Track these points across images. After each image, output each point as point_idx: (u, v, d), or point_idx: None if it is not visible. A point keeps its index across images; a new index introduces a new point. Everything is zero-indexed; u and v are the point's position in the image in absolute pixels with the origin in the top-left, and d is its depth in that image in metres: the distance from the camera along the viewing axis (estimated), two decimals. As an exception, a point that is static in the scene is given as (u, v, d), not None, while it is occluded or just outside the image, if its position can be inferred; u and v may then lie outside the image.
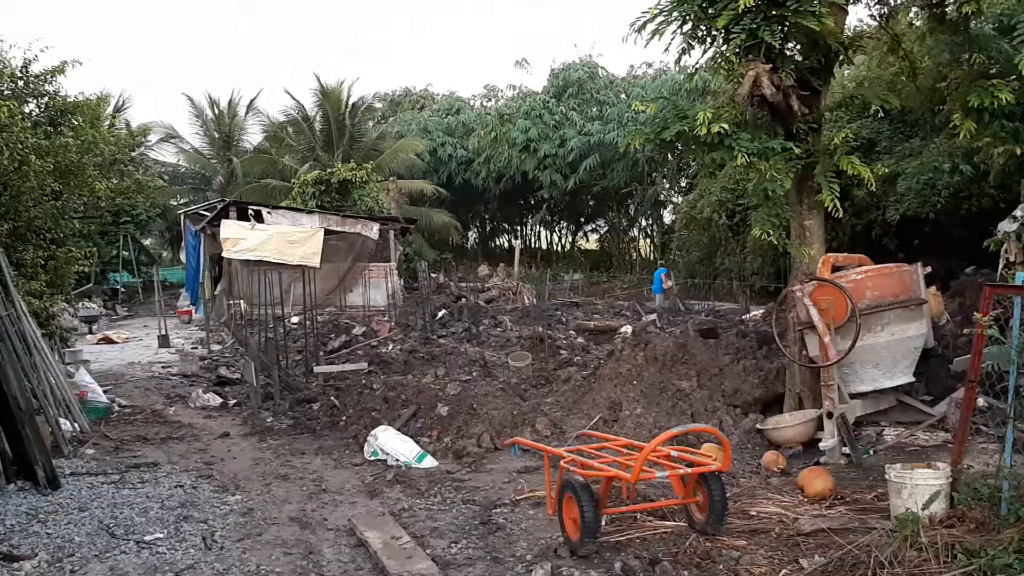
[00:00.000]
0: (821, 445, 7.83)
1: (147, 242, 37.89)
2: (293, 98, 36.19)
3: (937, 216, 17.73)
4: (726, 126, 7.40)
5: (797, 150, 7.75)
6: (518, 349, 15.84)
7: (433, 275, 29.56)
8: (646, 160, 34.58)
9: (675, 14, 8.09)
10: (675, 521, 6.27)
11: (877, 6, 9.56)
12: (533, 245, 45.41)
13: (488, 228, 47.69)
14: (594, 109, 37.93)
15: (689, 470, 5.70)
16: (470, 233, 46.47)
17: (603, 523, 5.88)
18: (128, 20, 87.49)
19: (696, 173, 33.01)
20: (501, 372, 13.61)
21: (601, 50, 73.49)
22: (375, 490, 7.62)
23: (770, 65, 7.48)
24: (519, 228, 46.74)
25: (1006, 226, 11.24)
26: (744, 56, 7.56)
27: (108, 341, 20.31)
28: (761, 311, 20.20)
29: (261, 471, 8.54)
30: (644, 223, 40.49)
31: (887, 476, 5.87)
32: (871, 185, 8.16)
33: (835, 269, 8.32)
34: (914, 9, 10.59)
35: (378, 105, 43.67)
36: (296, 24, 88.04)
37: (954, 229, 17.82)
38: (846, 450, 7.85)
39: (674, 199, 37.83)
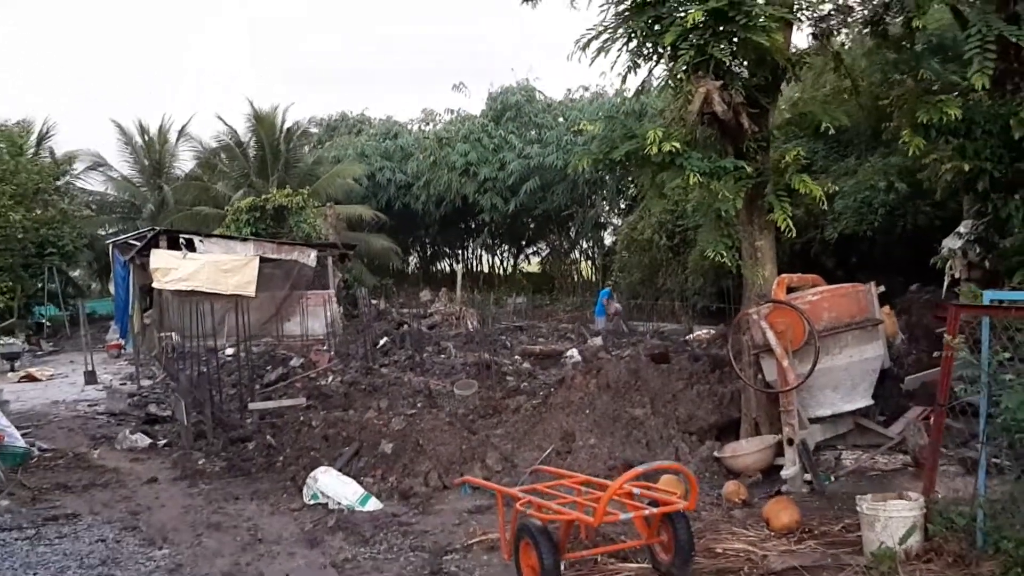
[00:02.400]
0: (783, 473, 7.57)
1: (74, 274, 36.42)
2: (225, 123, 35.30)
3: (874, 234, 17.92)
4: (677, 145, 7.14)
5: (748, 169, 7.54)
6: (463, 377, 15.40)
7: (374, 302, 28.95)
8: (586, 182, 34.61)
9: (620, 31, 7.84)
10: (638, 563, 5.91)
11: (818, 24, 9.49)
12: (475, 269, 45.00)
13: (429, 252, 47.14)
14: (532, 132, 37.83)
15: (654, 510, 5.34)
16: (411, 258, 45.88)
17: (563, 568, 5.48)
18: (51, 44, 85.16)
19: (636, 194, 33.15)
20: (447, 402, 13.15)
21: (538, 74, 73.67)
22: (316, 538, 7.10)
23: (720, 82, 7.26)
24: (460, 252, 46.30)
25: (951, 243, 11.25)
26: (693, 73, 7.32)
27: (31, 379, 19.26)
28: (705, 331, 20.16)
29: (191, 520, 7.94)
30: (585, 245, 40.44)
31: (859, 508, 5.60)
32: (822, 203, 7.99)
33: (790, 290, 8.11)
34: (846, 30, 10.60)
35: (314, 130, 42.95)
36: (228, 49, 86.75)
37: (890, 247, 18.01)
38: (807, 477, 7.60)
39: (614, 220, 37.90)
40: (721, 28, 7.33)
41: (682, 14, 7.30)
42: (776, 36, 7.60)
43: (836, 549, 5.93)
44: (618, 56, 8.08)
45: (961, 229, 11.20)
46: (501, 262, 46.32)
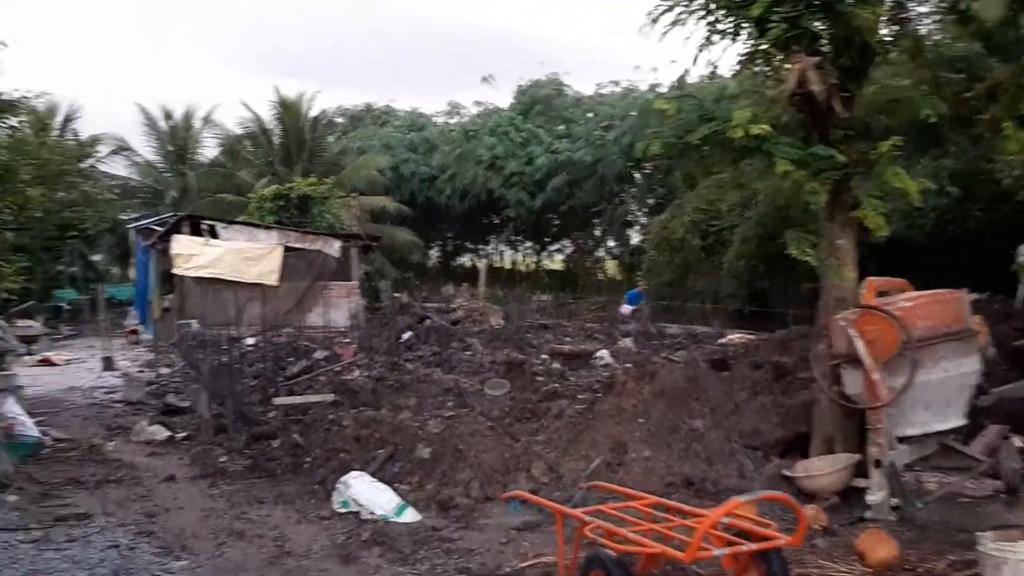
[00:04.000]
0: (868, 498, 6.82)
1: (95, 258, 36.08)
2: (251, 110, 34.77)
3: (923, 239, 17.16)
4: (767, 128, 6.39)
5: (841, 158, 6.78)
6: (492, 375, 14.73)
7: (396, 295, 28.36)
8: (615, 179, 33.88)
9: (697, 2, 7.10)
10: (718, 600, 5.20)
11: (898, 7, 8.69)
12: (497, 265, 44.33)
13: (451, 247, 46.51)
14: (561, 127, 37.15)
15: (753, 546, 4.61)
16: (432, 252, 45.28)
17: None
18: (79, 26, 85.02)
19: (667, 192, 32.37)
20: (477, 402, 12.47)
21: (568, 68, 72.60)
22: (349, 553, 6.41)
23: (817, 59, 6.51)
24: (482, 247, 45.65)
25: (1030, 249, 10.45)
26: (784, 49, 6.57)
27: (48, 363, 18.76)
28: (738, 335, 19.40)
29: (212, 526, 7.28)
30: (611, 243, 39.69)
31: (980, 547, 4.86)
32: (915, 200, 7.22)
33: (878, 295, 7.35)
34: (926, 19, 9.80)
35: (339, 120, 42.41)
36: (254, 35, 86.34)
37: (939, 253, 17.26)
38: (894, 503, 6.85)
39: (641, 219, 37.10)
40: (815, 2, 6.58)
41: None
42: (869, 12, 6.84)
43: (948, 592, 5.19)
44: (691, 33, 7.33)
45: (1044, 234, 10.39)
46: (524, 259, 45.63)
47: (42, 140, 15.21)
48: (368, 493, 7.44)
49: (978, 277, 11.66)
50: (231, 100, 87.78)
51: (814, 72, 6.44)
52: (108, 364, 17.66)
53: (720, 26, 7.34)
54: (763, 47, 6.88)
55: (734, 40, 7.51)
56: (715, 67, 7.98)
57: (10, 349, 16.71)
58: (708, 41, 7.51)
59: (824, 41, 7.31)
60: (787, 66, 6.57)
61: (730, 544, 4.75)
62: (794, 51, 6.49)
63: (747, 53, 7.18)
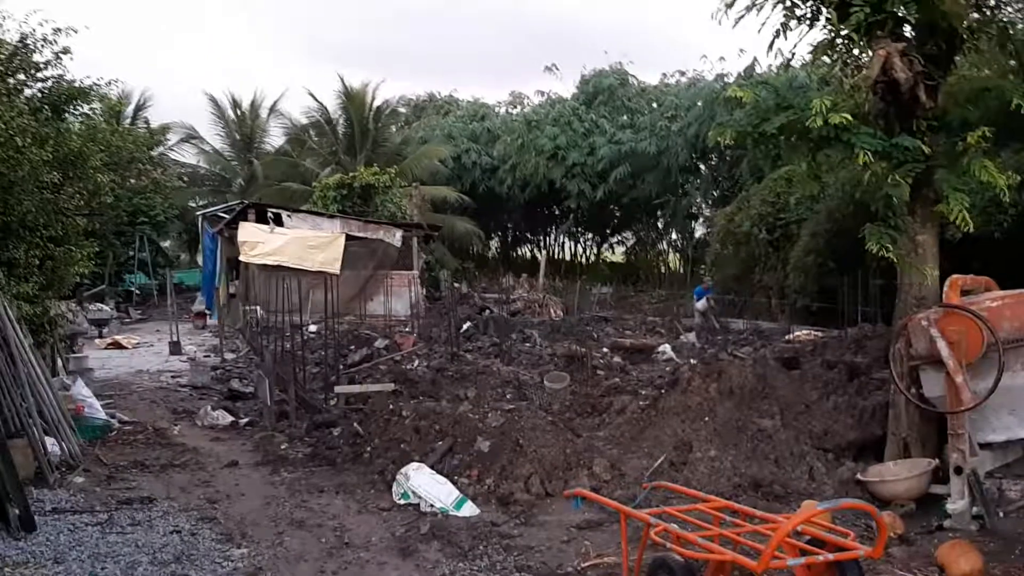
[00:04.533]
0: (949, 507, 6.49)
1: (165, 244, 36.90)
2: (316, 100, 35.09)
3: (1001, 236, 16.45)
4: (848, 117, 6.10)
5: (926, 150, 6.44)
6: (552, 368, 14.58)
7: (456, 285, 28.37)
8: (679, 170, 33.34)
9: (774, -13, 6.82)
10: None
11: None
12: (557, 256, 44.07)
13: (511, 238, 46.38)
14: (624, 117, 36.71)
15: (830, 556, 4.38)
16: (492, 242, 45.20)
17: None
18: (150, 15, 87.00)
19: (733, 184, 31.70)
20: (537, 395, 12.35)
21: (632, 58, 71.63)
22: (408, 547, 6.33)
23: (902, 44, 6.18)
24: (543, 238, 45.42)
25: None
26: (866, 35, 6.26)
27: (117, 346, 19.21)
28: (805, 331, 18.90)
29: (273, 513, 7.29)
30: (674, 236, 39.12)
31: (1077, 566, 4.54)
32: (1004, 195, 6.84)
33: (961, 294, 6.99)
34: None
35: (402, 110, 42.59)
36: (319, 25, 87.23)
37: (1018, 250, 16.55)
38: (976, 512, 6.51)
39: (705, 212, 36.46)
40: (899, -17, 6.26)
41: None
42: (959, -4, 6.48)
43: (1038, 611, 4.89)
44: (767, 18, 7.04)
45: None
46: (584, 250, 45.27)
47: (114, 127, 15.44)
48: (428, 485, 7.36)
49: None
50: (297, 89, 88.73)
51: (899, 59, 6.12)
52: (175, 348, 18.01)
53: (798, 11, 7.04)
54: (844, 33, 6.57)
55: (811, 26, 7.21)
56: (792, 55, 7.58)
57: (81, 332, 17.20)
58: (784, 27, 7.22)
59: (908, 27, 6.97)
60: (868, 54, 6.24)
61: (804, 553, 4.52)
62: (877, 37, 6.18)
63: (826, 40, 6.86)
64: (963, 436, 6.51)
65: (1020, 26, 9.12)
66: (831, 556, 4.37)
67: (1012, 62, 9.16)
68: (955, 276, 7.03)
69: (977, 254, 17.72)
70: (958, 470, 6.51)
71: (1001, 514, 6.75)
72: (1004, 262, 16.80)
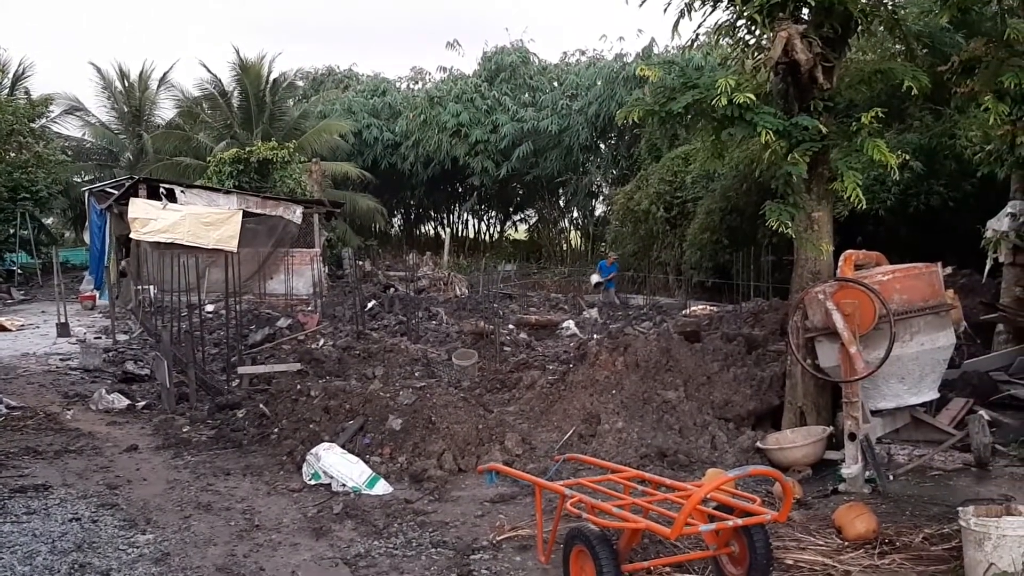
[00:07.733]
0: (843, 471, 6.83)
1: (48, 221, 35.07)
2: (209, 71, 33.75)
3: (884, 213, 17.28)
4: (752, 97, 6.28)
5: (823, 129, 6.70)
6: (460, 345, 14.61)
7: (359, 263, 27.99)
8: (580, 149, 33.69)
9: (678, -32, 6.94)
10: (697, 574, 5.16)
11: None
12: (461, 234, 44.01)
13: (414, 215, 46.04)
14: (526, 95, 36.85)
15: (739, 521, 4.56)
16: (395, 219, 44.77)
17: (619, 580, 4.70)
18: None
19: (632, 164, 32.23)
20: (445, 372, 12.38)
21: (533, 35, 71.77)
22: (321, 527, 6.26)
23: (803, 26, 6.39)
24: (447, 216, 45.25)
25: (998, 224, 10.54)
26: (769, 16, 6.45)
27: (1, 328, 18.19)
28: (701, 306, 19.49)
29: (178, 498, 7.09)
30: (575, 214, 39.57)
31: (962, 523, 4.86)
32: (893, 173, 7.19)
33: (855, 268, 7.33)
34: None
35: (300, 83, 41.60)
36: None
37: (898, 227, 17.42)
38: (868, 475, 6.87)
39: (605, 190, 37.00)
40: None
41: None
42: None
43: (925, 566, 5.20)
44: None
45: (1010, 209, 10.48)
46: (488, 228, 45.36)
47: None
48: (339, 465, 7.28)
49: (939, 252, 11.74)
50: (190, 60, 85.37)
51: (800, 40, 6.33)
52: (63, 330, 17.19)
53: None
54: (747, 14, 6.74)
55: (715, 7, 7.38)
56: (695, 36, 7.71)
57: (-40, 314, 16.24)
58: (689, 8, 7.36)
59: (806, 9, 7.21)
60: (768, 35, 6.43)
61: (713, 519, 4.70)
62: (779, 18, 6.37)
63: (729, 21, 7.03)
64: (856, 404, 6.85)
65: (906, 11, 9.56)
66: (740, 521, 4.55)
67: (899, 46, 9.63)
68: (849, 251, 7.36)
69: (862, 230, 18.63)
70: (852, 436, 6.86)
71: (891, 477, 7.15)
72: (886, 237, 17.72)
